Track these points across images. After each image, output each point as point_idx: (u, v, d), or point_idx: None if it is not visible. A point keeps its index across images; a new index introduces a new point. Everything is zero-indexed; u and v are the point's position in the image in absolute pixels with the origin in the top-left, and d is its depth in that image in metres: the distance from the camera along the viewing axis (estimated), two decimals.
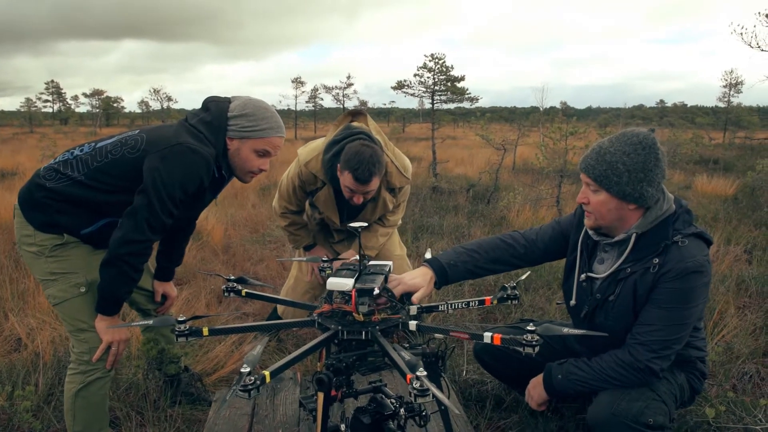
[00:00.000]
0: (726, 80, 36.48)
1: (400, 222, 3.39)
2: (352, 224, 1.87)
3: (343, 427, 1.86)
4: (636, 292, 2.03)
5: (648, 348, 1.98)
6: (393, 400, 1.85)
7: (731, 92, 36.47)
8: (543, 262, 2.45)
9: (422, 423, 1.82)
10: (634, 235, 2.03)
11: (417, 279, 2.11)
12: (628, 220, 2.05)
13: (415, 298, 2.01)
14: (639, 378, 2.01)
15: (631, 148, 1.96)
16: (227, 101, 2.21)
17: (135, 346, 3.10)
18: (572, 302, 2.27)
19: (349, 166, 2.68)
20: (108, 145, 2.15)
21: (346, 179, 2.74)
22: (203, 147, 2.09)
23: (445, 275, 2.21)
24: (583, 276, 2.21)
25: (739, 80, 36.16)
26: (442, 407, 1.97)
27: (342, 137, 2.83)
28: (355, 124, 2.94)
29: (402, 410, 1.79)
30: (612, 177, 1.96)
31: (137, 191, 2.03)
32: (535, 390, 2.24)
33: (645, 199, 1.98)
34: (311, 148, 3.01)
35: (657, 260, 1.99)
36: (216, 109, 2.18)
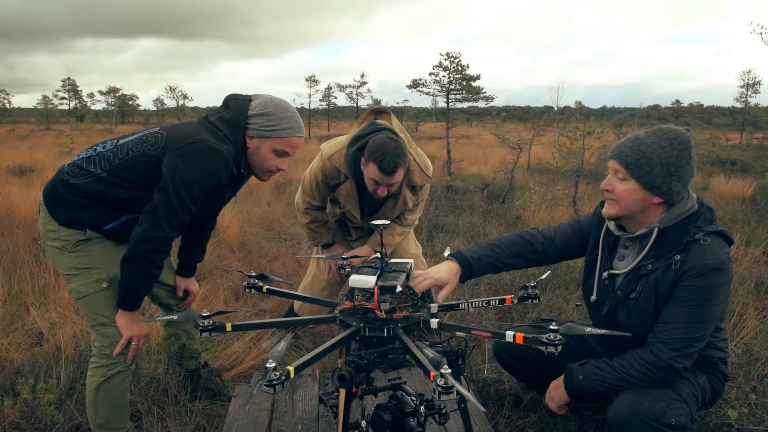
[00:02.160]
0: (743, 80, 36.10)
1: (417, 222, 3.40)
2: (375, 222, 1.88)
3: (363, 423, 1.87)
4: (658, 290, 2.03)
5: (670, 346, 1.98)
6: (413, 398, 1.86)
7: (749, 92, 36.09)
8: (560, 260, 2.44)
9: (442, 421, 1.82)
10: (657, 229, 2.04)
11: (443, 273, 2.12)
12: (650, 213, 2.05)
13: (440, 296, 2.02)
14: (661, 377, 2.00)
15: (666, 142, 1.98)
16: (248, 99, 2.22)
17: (155, 340, 3.13)
18: (593, 298, 2.26)
19: (374, 158, 2.69)
20: (129, 142, 2.17)
21: (370, 171, 2.75)
22: (222, 145, 2.10)
23: (469, 268, 2.23)
24: (605, 273, 2.21)
25: (757, 80, 35.79)
26: (462, 405, 1.97)
27: (367, 132, 2.84)
28: (379, 121, 2.95)
29: (422, 408, 1.80)
30: (644, 166, 1.98)
31: (157, 188, 2.05)
32: (556, 391, 2.23)
33: (671, 194, 1.99)
34: (335, 143, 3.03)
35: (678, 257, 1.99)
36: (236, 107, 2.19)
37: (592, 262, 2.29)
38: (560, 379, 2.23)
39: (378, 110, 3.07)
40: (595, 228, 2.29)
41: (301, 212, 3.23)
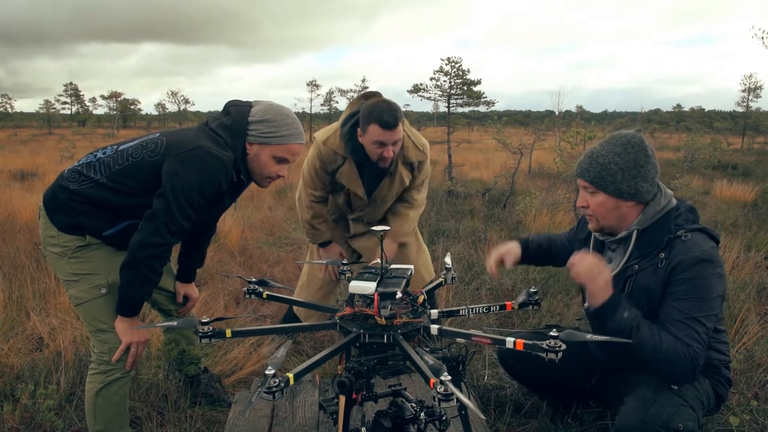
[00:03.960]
0: (745, 84, 36.16)
1: (425, 202, 3.39)
2: (375, 228, 1.88)
3: (363, 430, 1.86)
4: (649, 291, 2.05)
5: (681, 342, 1.92)
6: (413, 404, 1.85)
7: (750, 97, 36.15)
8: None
9: (442, 428, 1.81)
10: (636, 231, 2.08)
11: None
12: (628, 217, 2.10)
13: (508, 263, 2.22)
14: (683, 364, 1.90)
15: (621, 148, 2.05)
16: (248, 105, 2.22)
17: (155, 346, 3.12)
18: (586, 304, 2.28)
19: (372, 117, 2.73)
20: (129, 148, 2.18)
21: (372, 133, 2.77)
22: (222, 151, 2.10)
23: (526, 244, 2.52)
24: None
25: (758, 85, 35.85)
26: (462, 412, 1.97)
27: (358, 110, 2.88)
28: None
29: (422, 414, 1.79)
30: (607, 177, 2.05)
31: (156, 195, 2.05)
32: (596, 285, 1.99)
33: (641, 195, 2.05)
34: (328, 128, 3.10)
35: (663, 255, 2.03)
36: (236, 113, 2.19)
37: None
38: (606, 278, 2.00)
39: (368, 94, 3.08)
40: (580, 230, 2.39)
41: (304, 207, 3.22)
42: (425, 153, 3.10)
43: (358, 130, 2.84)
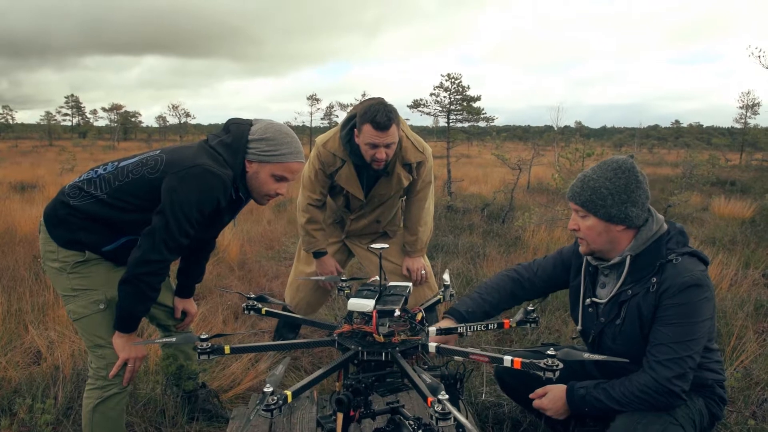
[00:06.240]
0: (743, 101, 36.42)
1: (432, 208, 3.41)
2: (374, 246, 1.89)
3: None
4: (641, 314, 2.07)
5: (665, 367, 1.98)
6: (411, 422, 1.85)
7: (748, 113, 36.41)
8: (548, 293, 2.55)
9: None
10: (629, 257, 2.11)
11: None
12: (620, 242, 2.12)
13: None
14: (663, 401, 1.99)
15: (612, 173, 2.08)
16: (248, 124, 2.24)
17: (153, 361, 3.12)
18: (578, 327, 2.34)
19: (366, 117, 2.76)
20: (129, 164, 2.19)
21: (365, 134, 2.80)
22: (221, 169, 2.11)
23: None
24: (588, 301, 2.28)
25: (756, 101, 36.11)
26: (460, 430, 1.96)
27: (356, 113, 2.92)
28: None
29: None
30: (597, 201, 2.07)
31: (155, 212, 2.06)
32: (555, 404, 2.20)
33: (631, 220, 2.07)
34: (328, 132, 3.14)
35: (655, 279, 2.06)
36: (236, 131, 2.21)
37: (575, 289, 2.35)
38: (560, 392, 2.20)
39: (368, 100, 3.12)
40: (576, 256, 2.37)
41: (301, 211, 3.24)
42: (425, 155, 3.12)
43: (355, 130, 2.88)
